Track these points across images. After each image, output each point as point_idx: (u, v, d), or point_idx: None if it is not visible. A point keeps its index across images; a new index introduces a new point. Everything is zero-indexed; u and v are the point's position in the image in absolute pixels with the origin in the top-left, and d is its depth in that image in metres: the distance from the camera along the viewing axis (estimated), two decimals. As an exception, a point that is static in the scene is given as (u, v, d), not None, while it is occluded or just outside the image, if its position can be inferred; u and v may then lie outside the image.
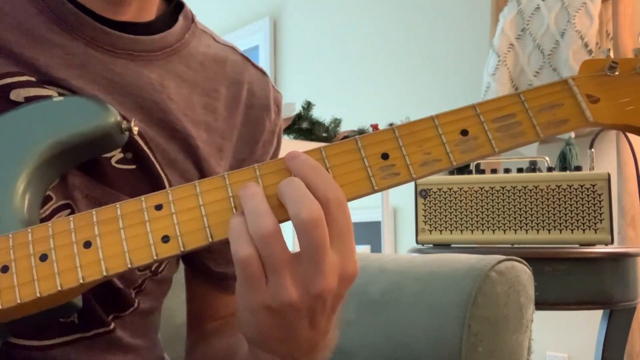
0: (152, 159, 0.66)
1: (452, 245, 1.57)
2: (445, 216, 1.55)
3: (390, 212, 2.70)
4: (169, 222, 0.51)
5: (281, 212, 0.50)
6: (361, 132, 2.53)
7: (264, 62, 3.46)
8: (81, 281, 0.50)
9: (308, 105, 2.48)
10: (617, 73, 0.56)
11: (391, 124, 2.63)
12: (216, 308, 0.77)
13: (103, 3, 0.66)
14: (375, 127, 2.55)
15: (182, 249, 0.51)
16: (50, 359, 0.63)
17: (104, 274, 0.50)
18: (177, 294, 0.89)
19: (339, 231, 0.49)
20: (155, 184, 0.66)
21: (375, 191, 0.53)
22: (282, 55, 3.44)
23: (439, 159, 0.53)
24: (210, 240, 0.51)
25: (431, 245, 1.59)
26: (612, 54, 2.12)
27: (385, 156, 0.53)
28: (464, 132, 0.54)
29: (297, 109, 2.36)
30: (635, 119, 0.55)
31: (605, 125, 0.56)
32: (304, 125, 2.43)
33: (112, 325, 0.67)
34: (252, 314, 0.50)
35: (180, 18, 0.72)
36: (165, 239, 0.51)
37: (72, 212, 0.63)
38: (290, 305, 0.48)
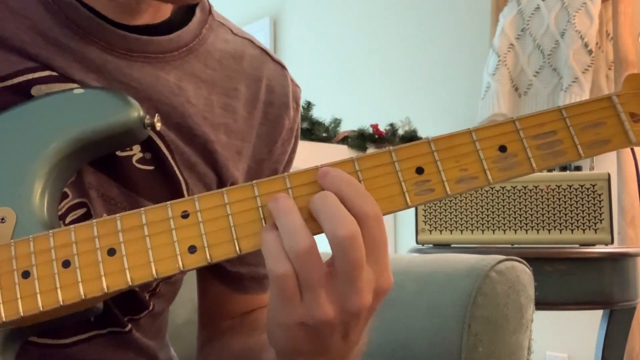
0: (171, 161, 0.65)
1: (452, 245, 1.57)
2: (445, 216, 1.55)
3: (390, 212, 2.69)
4: (195, 231, 0.50)
5: (313, 226, 0.49)
6: (361, 132, 2.54)
7: (264, 62, 3.47)
8: (105, 290, 0.49)
9: (308, 105, 2.48)
10: None
11: (391, 124, 2.63)
12: (231, 307, 0.77)
13: (118, 10, 0.63)
14: (375, 127, 2.56)
15: (209, 261, 0.49)
16: (66, 357, 0.62)
17: (129, 283, 0.49)
18: (178, 294, 0.89)
19: (375, 246, 0.48)
20: (173, 187, 0.65)
21: (408, 207, 0.50)
22: (282, 55, 3.44)
23: (475, 177, 0.51)
24: (238, 252, 0.50)
25: (431, 245, 1.59)
26: (612, 54, 2.12)
27: (420, 170, 0.51)
28: (503, 149, 0.51)
29: (297, 109, 2.37)
30: None
31: None
32: (304, 125, 2.43)
33: (129, 327, 0.66)
34: (286, 330, 0.50)
35: (197, 11, 0.70)
36: (192, 250, 0.50)
37: (88, 211, 0.62)
38: (326, 322, 0.48)
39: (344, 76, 3.07)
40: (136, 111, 0.58)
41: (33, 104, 0.57)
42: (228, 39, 0.72)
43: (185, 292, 0.84)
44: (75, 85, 0.60)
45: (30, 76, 0.59)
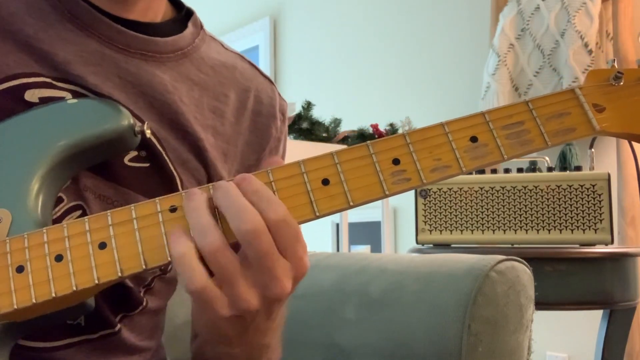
0: (165, 157, 0.67)
1: (452, 245, 1.57)
2: (445, 216, 1.55)
3: (390, 212, 2.70)
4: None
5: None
6: (361, 132, 2.53)
7: (264, 62, 3.46)
8: (96, 281, 0.50)
9: (308, 105, 2.48)
10: (622, 83, 0.57)
11: (391, 124, 2.63)
12: None
13: (110, 0, 0.67)
14: (375, 127, 2.55)
15: None
16: None
17: (119, 274, 0.51)
18: (177, 293, 0.89)
19: (288, 242, 0.50)
20: (168, 183, 0.67)
21: (386, 196, 0.54)
22: (282, 55, 3.44)
23: (449, 165, 0.55)
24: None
25: (431, 245, 1.59)
26: (612, 54, 2.12)
27: (396, 161, 0.54)
28: (474, 139, 0.55)
29: (297, 109, 2.36)
30: None
31: (611, 134, 0.57)
32: (304, 125, 2.42)
33: (118, 327, 0.67)
34: (213, 326, 0.53)
35: (190, 24, 0.74)
36: None
37: (84, 213, 0.63)
38: (250, 310, 0.51)
39: (344, 76, 3.06)
40: (127, 119, 0.61)
41: (28, 115, 0.60)
42: (220, 50, 0.77)
43: (185, 293, 0.84)
44: (66, 92, 0.63)
45: (24, 80, 0.62)
